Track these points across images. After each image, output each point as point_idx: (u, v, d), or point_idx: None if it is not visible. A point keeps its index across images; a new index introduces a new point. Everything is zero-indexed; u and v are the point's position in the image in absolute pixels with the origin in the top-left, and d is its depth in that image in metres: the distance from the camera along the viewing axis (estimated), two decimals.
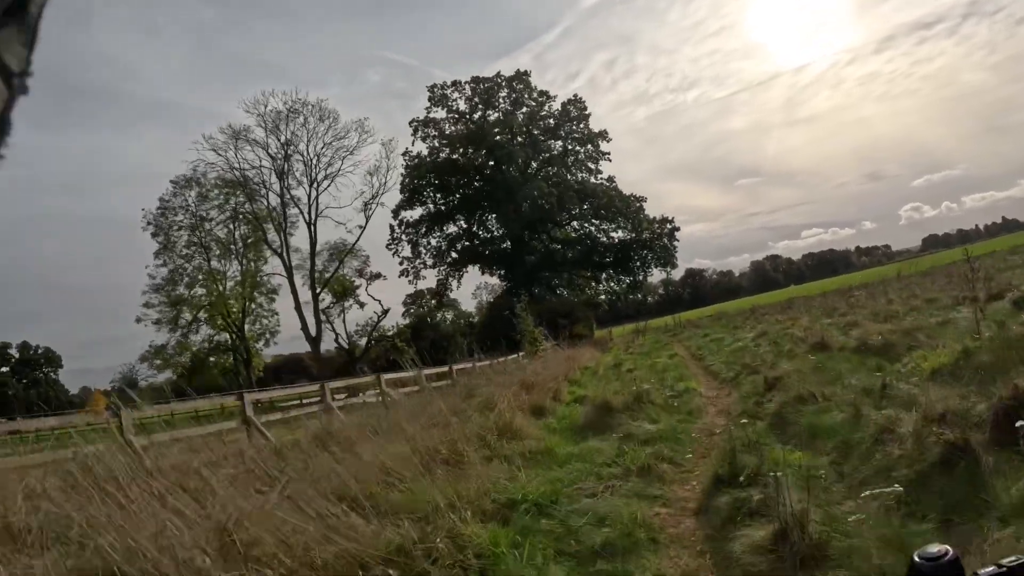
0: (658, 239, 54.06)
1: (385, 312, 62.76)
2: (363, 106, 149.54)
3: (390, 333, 62.99)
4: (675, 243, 54.72)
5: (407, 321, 61.96)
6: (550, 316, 44.34)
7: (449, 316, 61.26)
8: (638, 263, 55.28)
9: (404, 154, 57.23)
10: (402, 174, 56.44)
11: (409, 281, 58.30)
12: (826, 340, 13.34)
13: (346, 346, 57.69)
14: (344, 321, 58.09)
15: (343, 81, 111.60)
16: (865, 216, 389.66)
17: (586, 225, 56.69)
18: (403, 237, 57.49)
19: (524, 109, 57.69)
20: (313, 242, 54.62)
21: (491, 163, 55.43)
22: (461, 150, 57.28)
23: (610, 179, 56.06)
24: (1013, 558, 0.68)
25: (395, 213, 57.16)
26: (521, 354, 29.47)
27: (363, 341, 59.07)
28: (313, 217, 54.35)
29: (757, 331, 23.98)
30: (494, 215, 56.99)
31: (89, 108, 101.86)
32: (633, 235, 54.39)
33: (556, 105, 58.26)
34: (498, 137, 56.04)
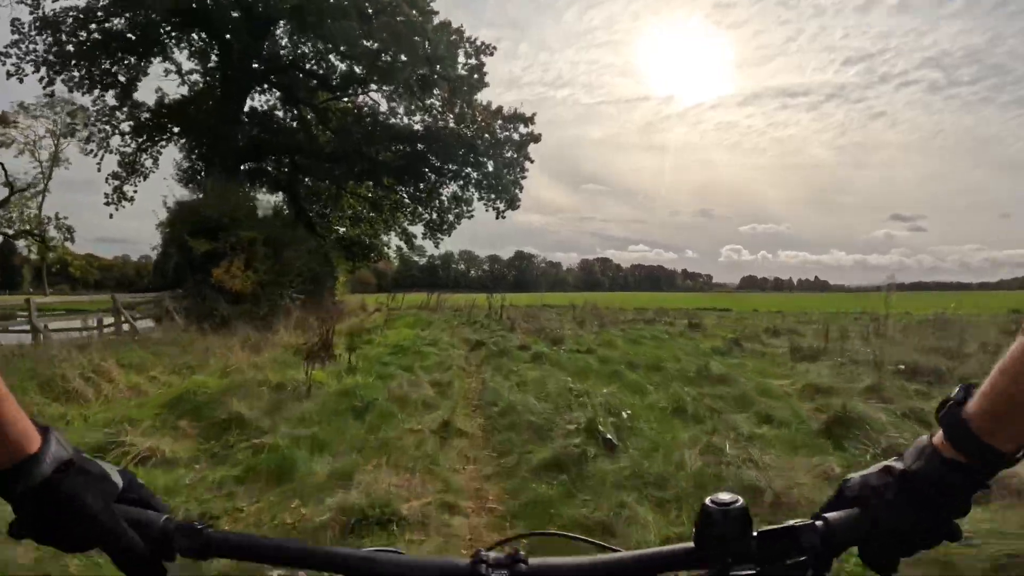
0: (498, 146, 27.30)
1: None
2: None
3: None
4: (525, 166, 28.36)
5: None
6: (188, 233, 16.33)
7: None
8: (448, 179, 28.14)
9: None
10: None
11: (90, 151, 27.17)
12: None
13: None
14: None
15: None
16: (689, 246, 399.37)
17: (369, 94, 28.31)
18: (37, 45, 25.25)
19: None
20: None
21: None
22: None
23: (443, 25, 27.54)
24: (797, 521, 0.68)
25: None
26: None
27: None
28: None
29: None
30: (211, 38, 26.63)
31: None
32: (452, 124, 27.16)
33: None
34: None
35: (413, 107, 27.60)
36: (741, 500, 0.67)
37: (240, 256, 15.61)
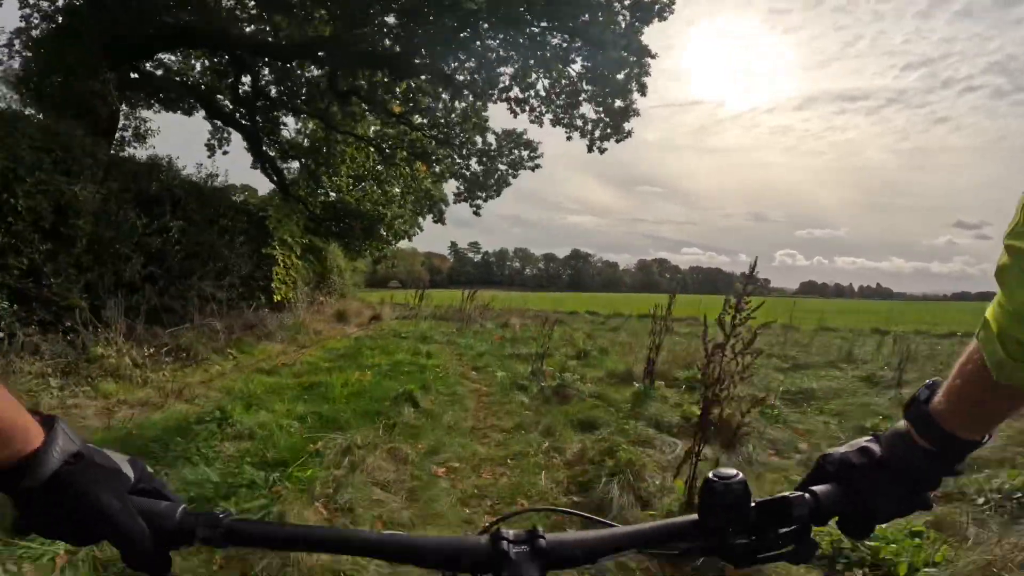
0: (591, 8, 13.46)
1: None
2: None
3: None
4: (646, 56, 14.51)
5: None
6: None
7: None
8: (491, 74, 14.26)
9: None
10: None
11: None
12: None
13: None
14: None
15: None
16: (742, 249, 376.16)
17: None
18: None
19: None
20: None
21: None
22: None
23: None
24: (789, 492, 0.70)
25: None
26: None
27: None
28: None
29: None
30: None
31: None
32: None
33: None
34: None
35: None
36: (741, 474, 0.68)
37: None
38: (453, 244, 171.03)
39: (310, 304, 15.51)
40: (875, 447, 0.73)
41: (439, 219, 20.39)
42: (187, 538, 0.63)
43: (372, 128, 19.36)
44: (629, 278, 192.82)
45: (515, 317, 16.54)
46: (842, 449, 0.75)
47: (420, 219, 22.26)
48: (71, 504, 0.58)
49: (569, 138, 13.87)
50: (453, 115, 16.48)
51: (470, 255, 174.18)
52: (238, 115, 18.05)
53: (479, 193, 16.88)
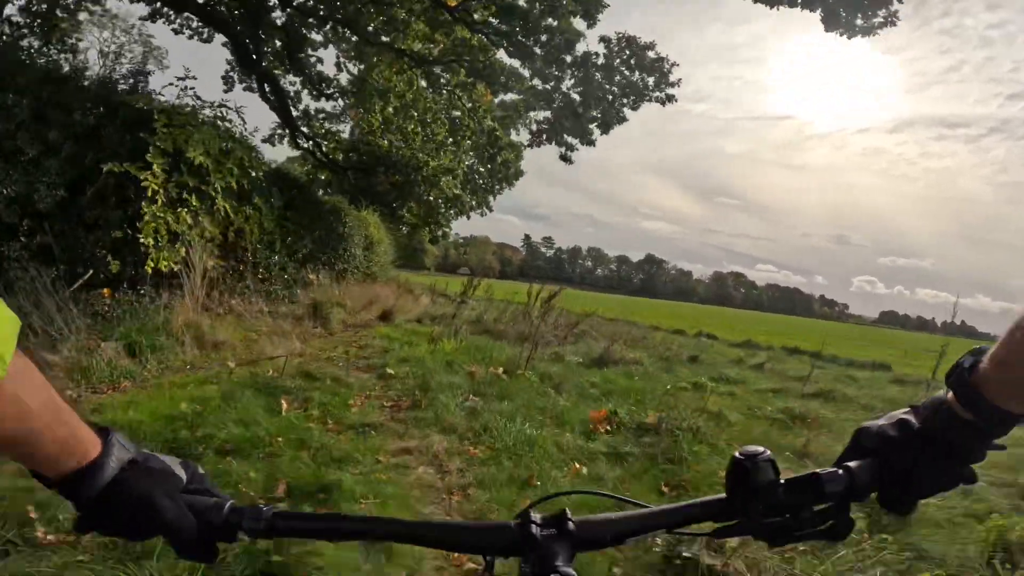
0: None
1: None
2: None
3: None
4: None
5: None
6: None
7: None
8: None
9: None
10: None
11: None
12: None
13: None
14: None
15: None
16: (819, 271, 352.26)
17: None
18: None
19: None
20: None
21: None
22: None
23: None
24: (821, 469, 0.67)
25: None
26: None
27: None
28: None
29: None
30: None
31: None
32: None
33: None
34: None
35: None
36: (768, 452, 0.66)
37: None
38: (527, 237, 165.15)
39: (302, 285, 8.96)
40: (913, 419, 0.67)
41: (505, 177, 13.36)
42: (234, 531, 0.64)
43: (417, 46, 12.64)
44: (702, 289, 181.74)
45: (614, 340, 9.36)
46: (879, 422, 0.69)
47: (490, 197, 15.36)
48: (128, 505, 0.60)
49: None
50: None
51: (543, 249, 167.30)
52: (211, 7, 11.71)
53: (575, 124, 9.74)
